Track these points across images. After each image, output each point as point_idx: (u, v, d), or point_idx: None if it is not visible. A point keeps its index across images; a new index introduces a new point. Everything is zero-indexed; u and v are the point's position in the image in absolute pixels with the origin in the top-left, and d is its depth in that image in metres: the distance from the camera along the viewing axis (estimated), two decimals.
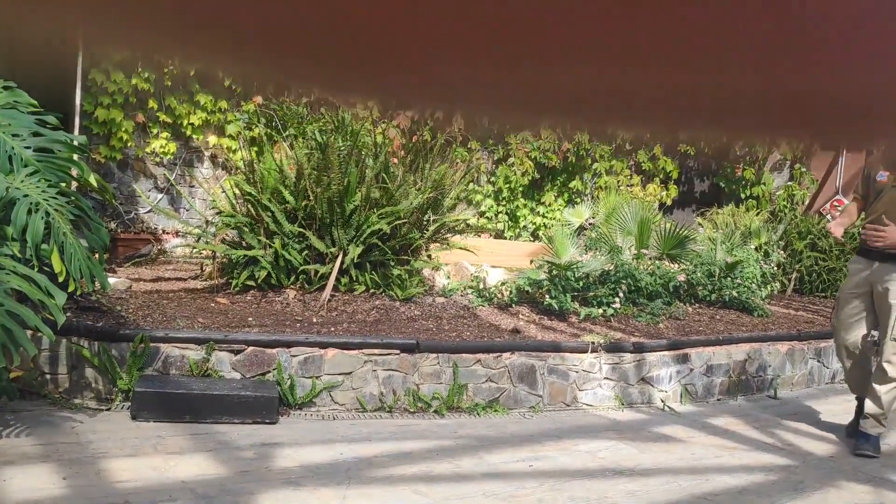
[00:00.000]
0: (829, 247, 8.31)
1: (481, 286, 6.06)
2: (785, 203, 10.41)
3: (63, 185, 3.87)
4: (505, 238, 9.42)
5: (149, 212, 7.49)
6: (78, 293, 4.29)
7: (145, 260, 6.81)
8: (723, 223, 8.64)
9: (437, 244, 6.22)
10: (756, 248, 7.67)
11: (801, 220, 8.93)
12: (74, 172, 4.02)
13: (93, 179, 4.15)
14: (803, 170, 10.62)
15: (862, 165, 4.63)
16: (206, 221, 5.99)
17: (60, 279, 3.46)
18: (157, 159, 7.56)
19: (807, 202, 10.66)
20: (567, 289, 5.76)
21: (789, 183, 10.61)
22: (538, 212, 9.67)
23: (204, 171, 7.82)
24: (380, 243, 5.40)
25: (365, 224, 5.34)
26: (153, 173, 7.61)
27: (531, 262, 6.66)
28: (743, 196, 10.33)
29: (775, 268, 7.67)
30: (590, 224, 8.70)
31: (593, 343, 4.80)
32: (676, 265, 6.80)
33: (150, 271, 6.31)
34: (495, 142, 9.55)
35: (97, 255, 3.82)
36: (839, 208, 10.18)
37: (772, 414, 4.88)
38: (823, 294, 8.20)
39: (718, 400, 5.23)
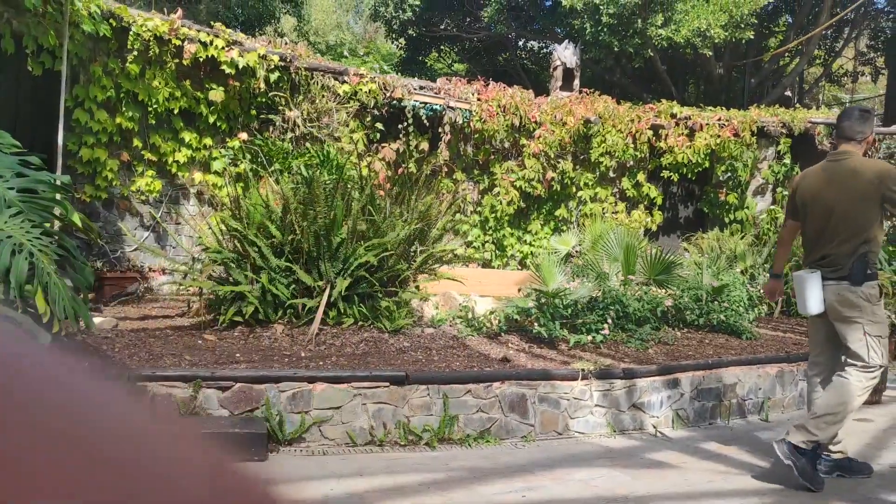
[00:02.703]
0: None
1: (470, 316, 6.05)
2: (769, 226, 10.50)
3: (47, 225, 3.86)
4: (492, 267, 9.44)
5: (135, 250, 7.45)
6: (63, 334, 4.25)
7: (132, 298, 6.77)
8: (708, 248, 8.70)
9: (425, 275, 6.23)
10: (742, 272, 7.72)
11: None
12: (58, 212, 4.01)
13: (77, 219, 4.14)
14: (785, 193, 10.72)
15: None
16: (193, 258, 5.97)
17: (45, 319, 3.44)
18: (143, 197, 7.55)
19: None
20: (556, 316, 5.76)
21: (772, 206, 10.71)
22: (525, 240, 9.70)
23: (190, 208, 7.81)
24: (367, 275, 5.39)
25: (352, 257, 5.34)
26: (139, 211, 7.59)
27: (519, 290, 6.66)
28: (727, 220, 10.42)
29: (761, 290, 7.71)
30: (576, 251, 8.74)
31: (583, 370, 4.79)
32: (663, 290, 6.83)
33: (136, 309, 6.27)
34: (480, 172, 9.60)
35: (82, 295, 3.80)
36: None
37: (763, 437, 4.87)
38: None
39: (710, 424, 5.21)
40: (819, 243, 3.93)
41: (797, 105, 13.51)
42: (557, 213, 9.79)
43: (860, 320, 3.80)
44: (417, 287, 6.08)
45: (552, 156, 9.57)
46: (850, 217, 3.81)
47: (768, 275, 4.57)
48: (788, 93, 16.07)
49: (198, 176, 7.73)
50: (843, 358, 3.96)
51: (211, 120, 7.66)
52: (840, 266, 3.83)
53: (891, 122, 15.96)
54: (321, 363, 4.48)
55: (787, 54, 16.41)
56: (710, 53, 13.36)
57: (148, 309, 6.34)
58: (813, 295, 3.88)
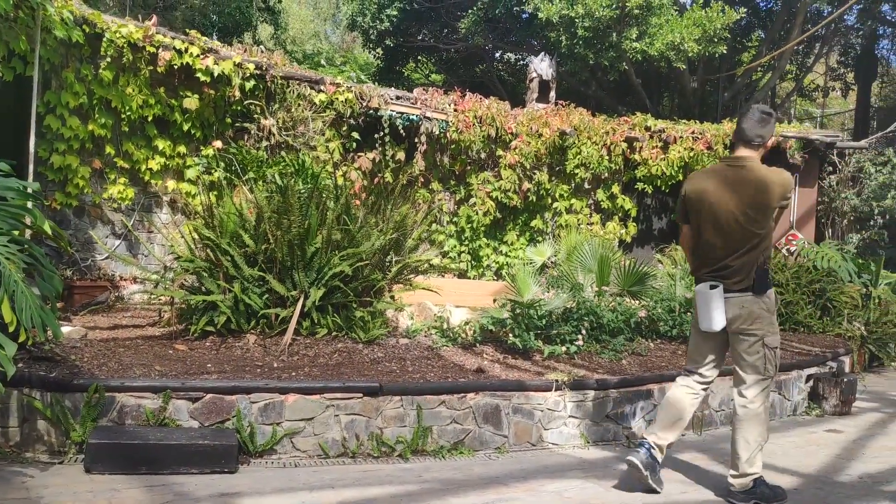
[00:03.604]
0: (787, 280, 8.47)
1: (445, 326, 6.04)
2: None
3: (16, 232, 3.80)
4: (468, 277, 9.44)
5: (106, 258, 7.36)
6: (30, 343, 4.18)
7: (102, 307, 6.67)
8: (681, 259, 8.77)
9: (400, 285, 6.21)
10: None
11: None
12: (28, 220, 3.95)
13: (47, 227, 4.08)
14: None
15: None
16: (165, 267, 5.90)
17: (11, 329, 3.37)
18: (115, 205, 7.46)
19: None
20: (530, 327, 5.77)
21: None
22: (501, 251, 9.72)
23: (163, 217, 7.73)
24: (342, 285, 5.36)
25: (326, 266, 5.31)
26: (110, 219, 7.49)
27: (494, 300, 6.67)
28: None
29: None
30: (552, 262, 8.77)
31: (557, 381, 4.80)
32: (637, 301, 6.87)
33: (106, 319, 6.18)
34: (457, 182, 9.62)
35: (50, 304, 3.74)
36: (794, 242, 10.43)
37: None
38: (782, 327, 8.33)
39: (683, 435, 5.23)
40: (718, 253, 3.73)
41: None
42: (533, 224, 9.82)
43: (760, 332, 3.68)
44: (392, 297, 6.07)
45: (528, 167, 9.62)
46: (753, 227, 3.65)
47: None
48: None
49: (171, 184, 7.66)
50: (736, 373, 3.80)
51: (185, 128, 7.59)
52: (743, 277, 3.67)
53: (861, 136, 16.25)
54: (294, 374, 4.44)
55: (759, 69, 16.65)
56: (684, 67, 13.52)
57: (118, 318, 6.25)
58: (718, 310, 3.70)
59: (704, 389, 3.95)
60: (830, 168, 12.32)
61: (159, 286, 5.79)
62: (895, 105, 19.77)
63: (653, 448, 3.79)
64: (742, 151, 3.78)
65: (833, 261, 9.01)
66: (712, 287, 3.71)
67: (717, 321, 3.70)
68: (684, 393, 3.90)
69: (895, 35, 19.67)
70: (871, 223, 12.09)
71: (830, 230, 12.34)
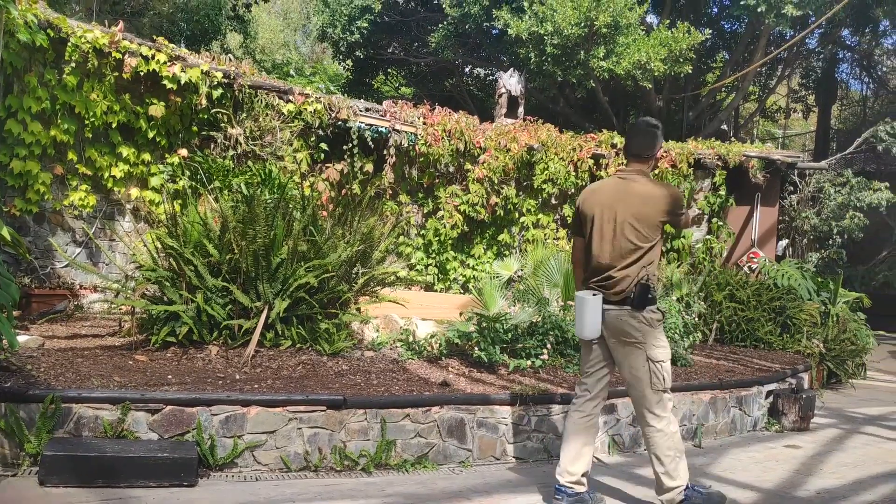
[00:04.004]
0: (748, 297, 8.61)
1: (411, 339, 6.02)
2: (704, 255, 10.77)
3: None
4: (435, 290, 9.43)
5: (66, 266, 7.21)
6: None
7: (61, 316, 6.53)
8: None
9: (367, 297, 6.18)
10: (678, 300, 7.88)
11: (719, 272, 9.25)
12: None
13: (6, 233, 3.99)
14: (720, 224, 11.04)
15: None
16: (126, 276, 5.80)
17: None
18: (76, 212, 7.32)
19: (724, 255, 11.06)
20: (496, 341, 5.78)
21: (708, 236, 11.00)
22: (468, 264, 9.73)
23: (125, 225, 7.61)
24: (307, 297, 5.32)
25: (292, 277, 5.27)
26: (71, 227, 7.36)
27: (461, 314, 6.67)
28: (664, 249, 10.65)
29: (697, 318, 7.89)
30: (518, 276, 8.80)
31: (522, 395, 4.81)
32: None
33: (65, 328, 6.05)
34: (425, 195, 9.62)
35: (6, 312, 3.65)
36: (756, 260, 10.61)
37: (697, 463, 4.95)
38: (743, 343, 8.46)
39: (645, 450, 5.27)
40: (602, 264, 3.75)
41: (733, 139, 13.97)
42: (500, 237, 9.86)
43: (642, 346, 3.67)
44: (359, 309, 6.04)
45: (496, 181, 9.66)
46: (634, 240, 3.66)
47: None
48: (725, 126, 16.61)
49: (134, 192, 7.54)
50: (629, 389, 3.82)
51: (150, 135, 7.49)
52: (622, 290, 3.68)
53: (821, 157, 16.63)
54: (256, 386, 4.39)
55: (723, 89, 16.97)
56: (650, 86, 13.72)
57: (77, 327, 6.13)
58: (591, 319, 3.71)
59: (595, 407, 3.90)
60: (791, 188, 12.58)
61: (120, 295, 5.69)
62: (854, 127, 20.26)
63: (571, 487, 3.76)
64: (633, 165, 3.85)
65: (793, 279, 9.19)
66: (593, 295, 3.73)
67: (589, 329, 3.72)
68: (578, 420, 3.88)
69: (854, 59, 20.20)
70: (830, 242, 12.36)
71: (791, 248, 12.58)
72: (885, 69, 21.36)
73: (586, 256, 3.89)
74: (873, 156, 15.93)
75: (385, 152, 9.01)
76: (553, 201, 10.19)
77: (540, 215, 10.05)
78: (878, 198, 12.13)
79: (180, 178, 7.58)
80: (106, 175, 7.40)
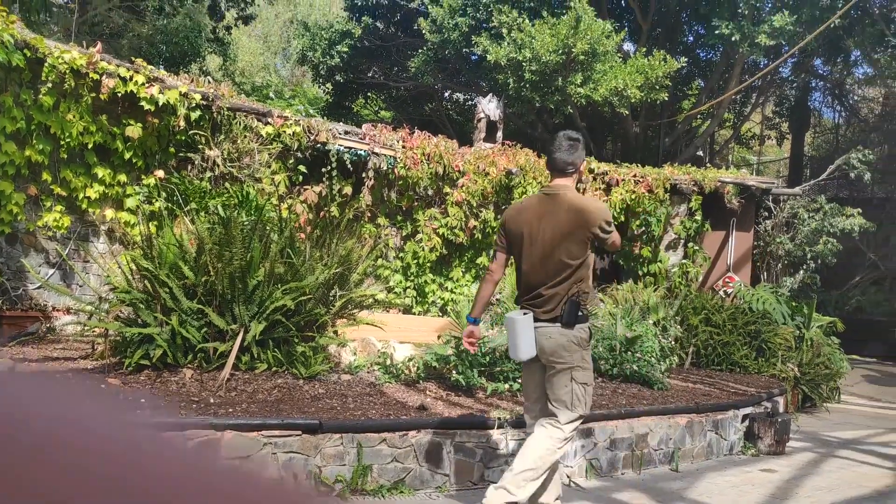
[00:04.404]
0: (723, 321, 8.67)
1: (388, 362, 5.99)
2: (680, 280, 10.86)
3: None
4: (413, 313, 9.41)
5: (38, 288, 7.11)
6: None
7: (33, 338, 6.42)
8: (622, 299, 8.91)
9: (344, 320, 6.14)
10: (654, 323, 7.92)
11: (695, 296, 9.32)
12: None
13: None
14: (696, 248, 11.14)
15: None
16: (100, 298, 5.72)
17: None
18: (50, 233, 7.23)
19: (700, 279, 11.15)
20: (474, 364, 5.76)
21: (684, 261, 11.09)
22: (446, 287, 9.73)
23: (100, 246, 7.53)
24: (283, 319, 5.28)
25: (268, 300, 5.23)
26: (45, 248, 7.26)
27: (439, 337, 6.65)
28: (641, 273, 10.72)
29: (673, 342, 7.93)
30: (496, 299, 8.80)
31: (500, 419, 4.79)
32: None
33: (37, 350, 5.95)
34: (404, 218, 9.63)
35: None
36: (731, 284, 10.70)
37: (674, 488, 4.95)
38: (719, 367, 8.51)
39: (622, 474, 5.27)
40: (532, 282, 3.67)
41: (708, 165, 14.15)
42: (479, 261, 9.87)
43: (568, 366, 3.57)
44: (336, 332, 6.00)
45: (475, 205, 9.69)
46: (562, 256, 3.58)
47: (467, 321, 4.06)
48: (700, 153, 16.83)
49: (109, 213, 7.47)
50: (547, 406, 3.70)
51: (127, 156, 7.44)
52: (553, 307, 3.59)
53: (795, 184, 16.88)
54: (231, 410, 4.33)
55: (699, 116, 17.22)
56: (627, 112, 13.89)
57: (49, 350, 6.02)
58: (524, 339, 3.58)
59: (543, 427, 3.71)
60: (766, 213, 12.75)
61: (93, 317, 5.61)
62: (827, 154, 20.61)
63: None
64: (557, 180, 3.75)
65: (768, 303, 9.27)
66: (524, 314, 3.63)
67: (523, 350, 3.60)
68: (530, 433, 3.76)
69: (827, 88, 20.61)
70: (805, 267, 12.51)
71: (766, 273, 12.72)
72: (856, 98, 21.80)
73: (517, 276, 3.81)
74: (846, 182, 16.21)
75: (364, 175, 9.01)
76: None
77: None
78: (851, 223, 12.32)
79: (156, 200, 7.53)
80: (81, 196, 7.33)
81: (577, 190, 3.95)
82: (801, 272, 12.51)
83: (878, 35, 14.20)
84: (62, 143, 7.10)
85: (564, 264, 3.59)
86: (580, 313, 3.59)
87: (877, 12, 14.19)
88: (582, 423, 3.68)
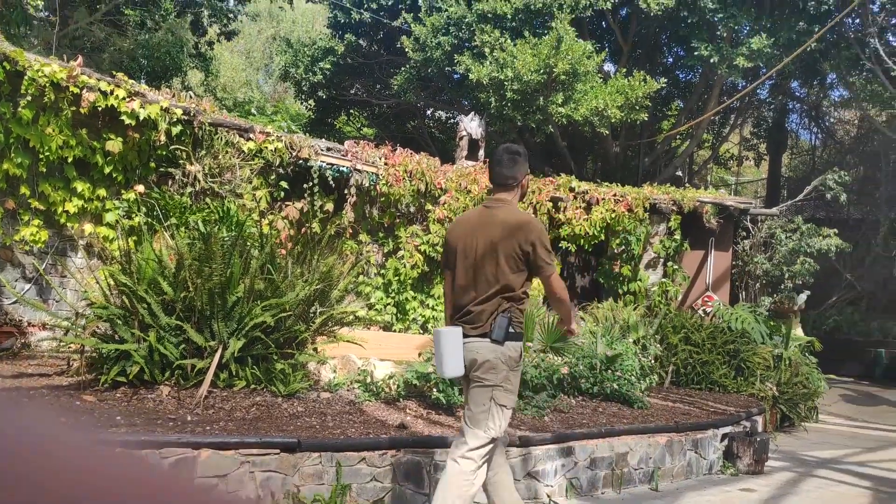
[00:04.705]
0: (703, 340, 8.72)
1: (368, 380, 5.96)
2: (660, 298, 10.92)
3: None
4: (394, 330, 9.37)
5: (14, 303, 7.01)
6: None
7: (7, 354, 6.33)
8: (603, 317, 8.94)
9: (324, 337, 6.11)
10: (634, 342, 7.95)
11: (675, 315, 9.37)
12: None
13: None
14: (675, 267, 11.22)
15: None
16: (77, 313, 5.65)
17: None
18: (27, 247, 7.14)
19: (680, 298, 11.22)
20: (455, 382, 5.74)
21: (663, 280, 11.16)
22: (427, 304, 9.71)
23: (77, 261, 7.44)
24: (263, 336, 5.24)
25: (248, 316, 5.19)
26: (21, 262, 7.17)
27: (420, 354, 6.63)
28: (621, 291, 10.77)
29: (653, 360, 7.96)
30: None
31: None
32: (560, 358, 6.94)
33: (11, 367, 5.86)
34: (385, 235, 9.62)
35: None
36: (710, 303, 10.77)
37: None
38: (698, 386, 8.54)
39: (602, 493, 5.26)
40: (462, 296, 3.53)
41: (687, 185, 14.30)
42: None
43: (491, 384, 3.38)
44: (316, 349, 5.96)
45: None
46: (493, 270, 3.43)
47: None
48: (679, 173, 17.00)
49: (88, 227, 7.40)
50: (462, 425, 3.51)
51: (107, 170, 7.38)
52: (483, 323, 3.42)
53: (772, 204, 17.08)
54: (208, 428, 4.28)
55: (678, 137, 17.41)
56: (607, 132, 14.01)
57: (24, 366, 5.93)
58: (451, 354, 3.40)
59: (500, 455, 3.62)
60: (744, 233, 12.87)
61: (69, 333, 5.54)
62: (804, 175, 20.90)
63: None
64: (498, 194, 3.63)
65: (747, 322, 9.34)
66: (450, 329, 3.48)
67: (450, 367, 3.42)
68: (490, 478, 3.60)
69: (804, 110, 20.94)
70: (782, 287, 12.63)
71: (744, 292, 12.82)
72: (832, 120, 22.16)
73: (449, 290, 3.67)
74: (822, 203, 16.43)
75: (346, 192, 9.00)
76: None
77: None
78: (828, 244, 12.47)
79: (136, 215, 7.47)
80: (59, 210, 7.25)
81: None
82: (780, 292, 12.63)
83: (853, 59, 14.47)
84: (41, 156, 7.03)
85: (495, 279, 3.44)
86: (511, 330, 3.42)
87: (852, 36, 14.46)
88: (493, 446, 3.45)
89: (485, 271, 3.46)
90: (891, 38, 15.52)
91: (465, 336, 3.45)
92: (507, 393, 3.42)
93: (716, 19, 13.45)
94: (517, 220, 3.48)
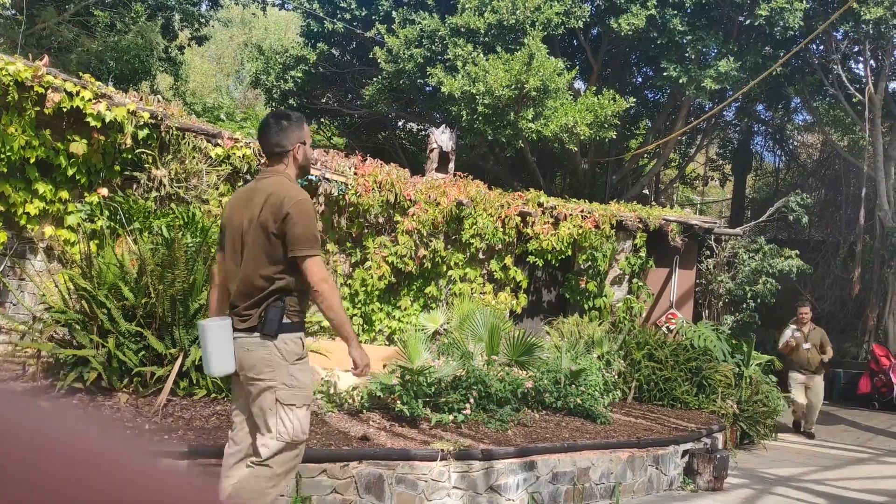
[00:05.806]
0: (666, 357, 8.80)
1: (332, 391, 5.91)
2: (624, 315, 11.01)
3: None
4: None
5: None
6: None
7: None
8: (568, 332, 8.98)
9: None
10: (599, 357, 8.00)
11: (639, 332, 9.45)
12: None
13: None
14: (640, 284, 11.32)
15: None
16: (35, 317, 5.53)
17: None
18: None
19: (644, 314, 11.33)
20: (419, 394, 5.72)
21: (628, 296, 11.26)
22: (394, 316, 9.67)
23: (37, 264, 7.29)
24: None
25: None
26: None
27: (385, 366, 6.58)
28: (586, 307, 10.84)
29: (616, 376, 8.01)
30: (444, 329, 8.79)
31: (443, 451, 4.75)
32: (525, 372, 6.95)
33: None
34: (353, 245, 9.57)
35: None
36: (674, 320, 10.89)
37: None
38: (661, 402, 8.62)
39: None
40: (231, 283, 3.12)
41: (653, 203, 14.49)
42: (427, 290, 9.86)
43: (272, 383, 3.00)
44: None
45: (425, 234, 9.70)
46: (261, 251, 3.01)
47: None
48: (646, 191, 17.21)
49: (48, 230, 7.25)
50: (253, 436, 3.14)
51: (70, 172, 7.25)
52: (249, 314, 3.03)
53: (736, 224, 17.36)
54: (166, 437, 4.20)
55: (645, 155, 17.64)
56: (576, 149, 14.14)
57: None
58: (218, 349, 3.01)
59: (250, 466, 3.08)
60: (708, 252, 13.06)
61: (26, 337, 5.41)
62: (767, 197, 21.28)
63: None
64: (270, 164, 3.22)
65: (709, 340, 9.46)
66: (221, 321, 3.08)
67: (216, 363, 3.04)
68: (229, 462, 3.23)
69: (768, 133, 21.35)
70: (745, 306, 12.82)
71: (707, 311, 12.99)
72: (795, 143, 22.63)
73: (223, 274, 3.23)
74: (785, 224, 16.75)
75: (315, 200, 8.95)
76: (480, 256, 10.29)
77: (467, 269, 10.12)
78: (789, 265, 12.69)
79: (98, 218, 7.34)
80: (20, 212, 7.10)
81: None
82: (742, 311, 12.81)
83: (817, 84, 14.82)
84: (2, 156, 6.89)
85: (262, 261, 3.02)
86: (286, 321, 3.03)
87: (816, 62, 14.81)
88: (297, 451, 3.08)
89: (254, 253, 3.04)
90: (853, 65, 15.94)
91: (235, 330, 3.07)
92: (292, 390, 3.04)
93: (684, 41, 13.68)
94: (277, 191, 3.02)
